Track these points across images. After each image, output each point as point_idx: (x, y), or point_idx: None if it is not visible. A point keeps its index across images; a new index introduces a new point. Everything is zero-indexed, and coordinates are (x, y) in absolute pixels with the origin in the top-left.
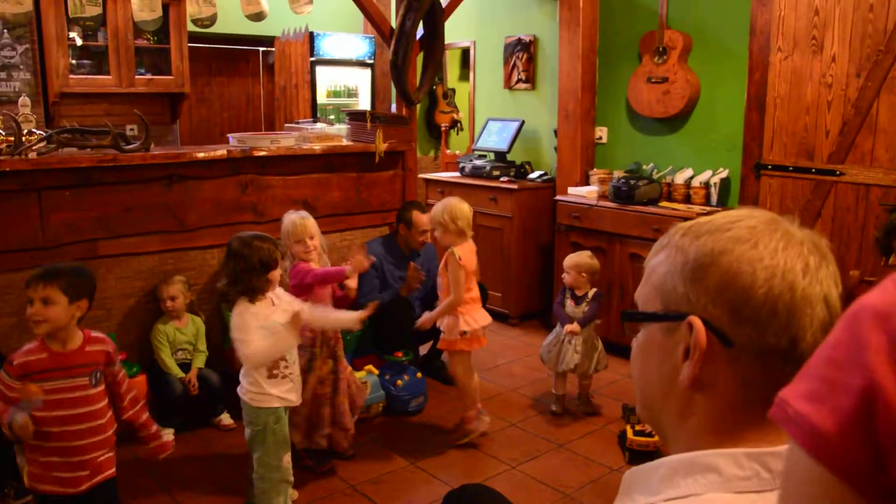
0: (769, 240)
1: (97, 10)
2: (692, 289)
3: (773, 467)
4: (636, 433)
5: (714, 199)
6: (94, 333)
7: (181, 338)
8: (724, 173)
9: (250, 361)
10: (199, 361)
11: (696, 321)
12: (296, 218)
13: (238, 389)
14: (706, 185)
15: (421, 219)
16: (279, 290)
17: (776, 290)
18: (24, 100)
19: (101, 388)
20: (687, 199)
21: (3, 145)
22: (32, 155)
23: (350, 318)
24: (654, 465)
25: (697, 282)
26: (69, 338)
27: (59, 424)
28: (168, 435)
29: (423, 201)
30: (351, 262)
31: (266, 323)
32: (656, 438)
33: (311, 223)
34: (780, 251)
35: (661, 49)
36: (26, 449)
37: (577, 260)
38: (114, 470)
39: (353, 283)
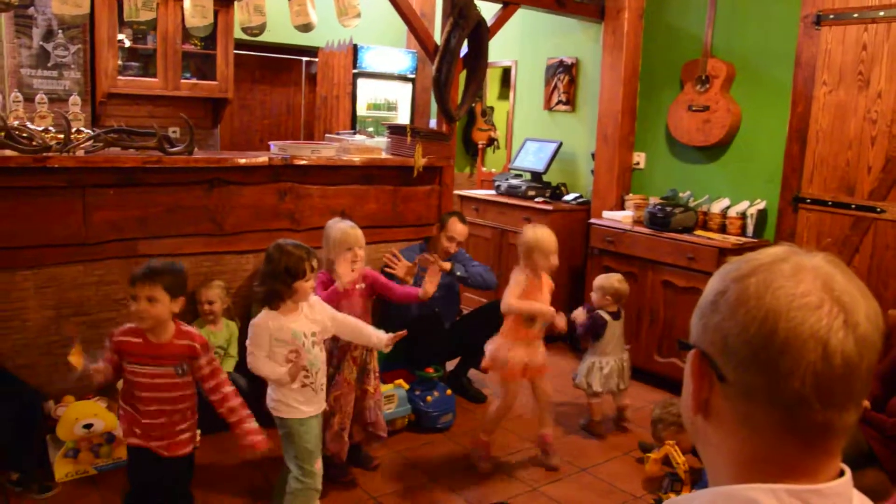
0: (768, 279)
1: (151, 15)
2: (700, 322)
3: None
4: None
5: (750, 230)
6: (185, 327)
7: (214, 342)
8: (761, 205)
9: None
10: (228, 366)
11: (693, 352)
12: (346, 227)
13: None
14: (743, 216)
15: (455, 226)
16: (314, 300)
17: (752, 332)
18: (75, 98)
19: (188, 378)
20: (722, 229)
21: (53, 142)
22: (80, 153)
23: (379, 338)
24: (692, 496)
25: (706, 317)
26: (163, 330)
27: (146, 404)
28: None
29: None
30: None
31: (281, 335)
32: None
33: (361, 233)
34: (771, 292)
35: (703, 77)
36: (123, 405)
37: (603, 282)
38: (190, 448)
39: (430, 288)
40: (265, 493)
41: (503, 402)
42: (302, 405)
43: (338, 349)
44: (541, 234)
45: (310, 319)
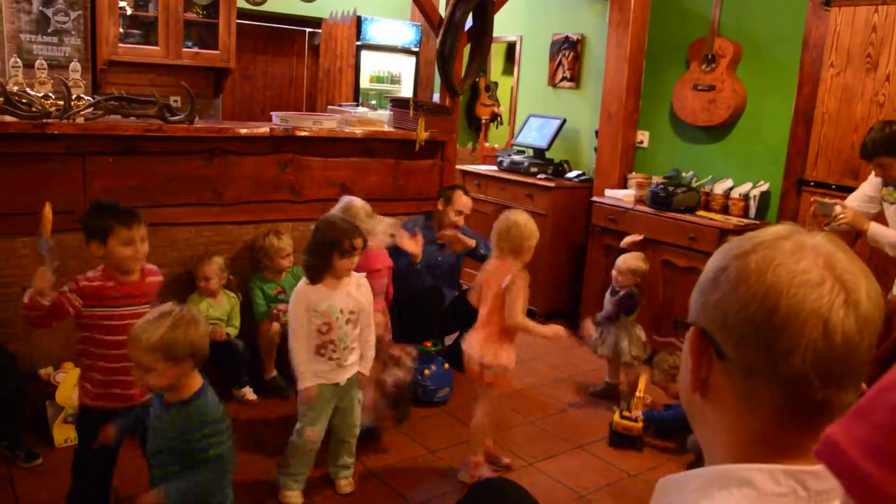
0: (769, 256)
1: None
2: (700, 299)
3: (811, 486)
4: (622, 416)
5: (752, 211)
6: (148, 266)
7: (213, 314)
8: (764, 186)
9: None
10: (231, 332)
11: (692, 330)
12: (345, 204)
13: None
14: (745, 198)
15: (461, 199)
16: (363, 281)
17: (752, 309)
18: (75, 65)
19: None
20: (725, 210)
21: (53, 108)
22: (80, 120)
23: (365, 364)
24: (690, 474)
25: (706, 294)
26: (136, 270)
27: (119, 348)
28: None
29: None
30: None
31: (318, 307)
32: (640, 425)
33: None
34: (772, 269)
35: (710, 56)
36: (82, 369)
37: (620, 263)
38: None
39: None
40: (256, 462)
41: (492, 408)
42: (323, 373)
43: None
44: (528, 222)
45: (352, 298)
